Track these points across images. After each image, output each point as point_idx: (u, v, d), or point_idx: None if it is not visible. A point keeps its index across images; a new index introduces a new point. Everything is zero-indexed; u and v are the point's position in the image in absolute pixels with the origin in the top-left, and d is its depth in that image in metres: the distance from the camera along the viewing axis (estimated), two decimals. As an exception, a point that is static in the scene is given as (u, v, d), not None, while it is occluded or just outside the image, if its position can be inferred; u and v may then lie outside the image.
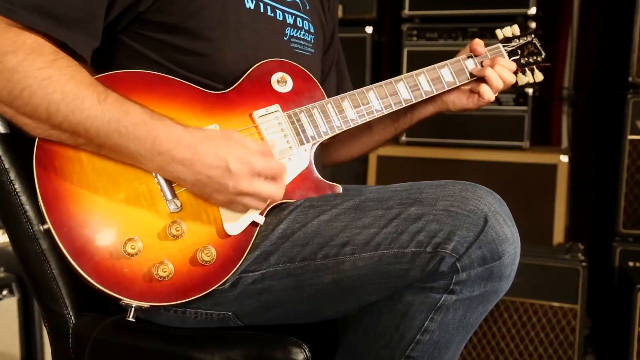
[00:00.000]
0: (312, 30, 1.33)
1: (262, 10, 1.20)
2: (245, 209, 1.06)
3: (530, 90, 2.51)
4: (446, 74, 1.32)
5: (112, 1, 1.04)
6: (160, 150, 0.98)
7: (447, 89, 1.32)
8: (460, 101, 1.36)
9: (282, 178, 1.07)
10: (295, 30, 1.28)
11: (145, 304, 1.01)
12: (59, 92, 0.95)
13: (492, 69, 1.32)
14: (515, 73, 1.39)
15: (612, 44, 2.74)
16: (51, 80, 0.94)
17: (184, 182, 1.02)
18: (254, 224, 1.09)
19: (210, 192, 1.02)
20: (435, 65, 1.32)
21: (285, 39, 1.25)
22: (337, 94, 1.24)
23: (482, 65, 1.34)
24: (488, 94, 1.32)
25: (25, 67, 0.94)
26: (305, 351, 1.06)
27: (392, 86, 1.26)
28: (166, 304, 1.03)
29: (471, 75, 1.34)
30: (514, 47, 1.39)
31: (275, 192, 1.06)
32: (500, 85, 1.32)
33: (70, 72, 0.97)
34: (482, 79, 1.33)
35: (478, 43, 1.35)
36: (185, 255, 1.03)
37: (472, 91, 1.35)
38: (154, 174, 1.03)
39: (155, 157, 0.98)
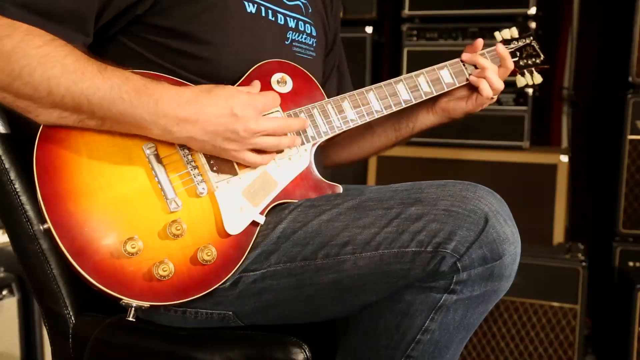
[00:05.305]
0: (314, 33, 1.33)
1: (263, 14, 1.20)
2: (261, 159, 1.07)
3: (530, 91, 2.52)
4: (445, 75, 1.31)
5: (105, 3, 1.05)
6: (165, 112, 0.99)
7: (446, 90, 1.31)
8: (460, 106, 1.35)
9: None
10: (297, 34, 1.28)
11: (146, 304, 1.01)
12: (58, 66, 0.96)
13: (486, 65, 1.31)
14: (514, 75, 1.39)
15: (612, 44, 2.74)
16: (50, 56, 0.96)
17: (194, 141, 1.03)
18: (254, 223, 1.08)
19: (222, 144, 1.03)
20: (435, 67, 1.32)
21: (287, 42, 1.25)
22: (338, 95, 1.24)
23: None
24: (487, 90, 1.30)
25: (22, 47, 0.95)
26: (305, 351, 1.06)
27: (392, 87, 1.26)
28: (166, 304, 1.03)
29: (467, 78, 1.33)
30: (512, 49, 1.39)
31: (282, 123, 1.08)
32: (492, 75, 1.30)
33: (67, 49, 0.98)
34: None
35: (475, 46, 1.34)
36: (185, 255, 1.03)
37: (469, 93, 1.34)
38: (154, 173, 1.04)
39: (160, 119, 1.00)
